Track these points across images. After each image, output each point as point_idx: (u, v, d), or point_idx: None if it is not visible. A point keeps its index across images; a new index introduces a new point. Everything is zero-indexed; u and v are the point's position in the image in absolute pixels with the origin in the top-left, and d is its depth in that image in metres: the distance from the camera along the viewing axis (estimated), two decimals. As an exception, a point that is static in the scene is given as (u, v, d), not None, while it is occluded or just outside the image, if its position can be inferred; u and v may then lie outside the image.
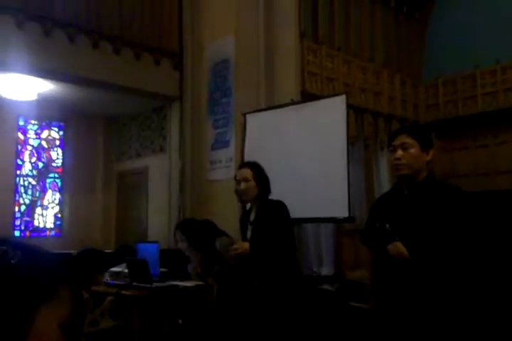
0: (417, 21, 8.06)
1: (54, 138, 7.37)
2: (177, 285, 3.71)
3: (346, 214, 3.93)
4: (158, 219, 6.33)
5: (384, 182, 6.57)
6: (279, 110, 4.69)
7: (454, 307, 2.19)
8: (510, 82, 6.91)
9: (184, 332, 3.65)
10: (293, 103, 4.79)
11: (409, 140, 2.31)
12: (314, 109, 4.43)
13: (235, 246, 2.97)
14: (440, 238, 2.18)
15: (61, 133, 7.42)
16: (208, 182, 5.53)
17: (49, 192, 7.22)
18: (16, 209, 6.86)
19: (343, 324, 3.61)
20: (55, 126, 7.39)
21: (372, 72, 7.01)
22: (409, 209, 2.30)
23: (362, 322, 3.54)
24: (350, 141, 4.82)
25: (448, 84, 7.52)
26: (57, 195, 7.26)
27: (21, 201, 6.96)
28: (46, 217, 7.14)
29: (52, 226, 7.18)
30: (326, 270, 5.69)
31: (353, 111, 6.36)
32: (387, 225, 2.28)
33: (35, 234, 6.97)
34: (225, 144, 5.35)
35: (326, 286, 4.72)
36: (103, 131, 7.52)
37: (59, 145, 7.40)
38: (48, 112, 6.88)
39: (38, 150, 7.20)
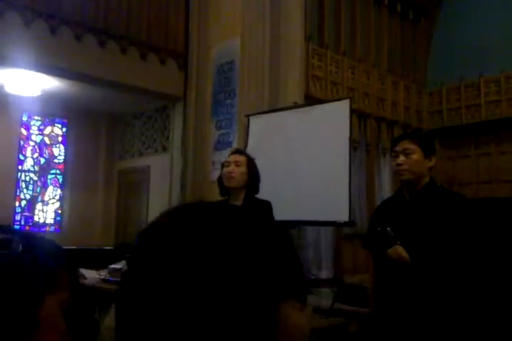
0: (422, 28, 8.08)
1: (57, 135, 7.39)
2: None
3: (347, 219, 3.93)
4: (158, 218, 6.32)
5: (385, 188, 6.58)
6: (282, 113, 4.70)
7: (453, 312, 2.19)
8: (514, 91, 6.92)
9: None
10: (297, 106, 4.80)
11: (411, 146, 2.34)
12: (318, 112, 4.44)
13: None
14: (440, 243, 2.19)
15: (64, 129, 7.44)
16: (210, 182, 5.53)
17: (50, 188, 7.23)
18: (17, 204, 6.88)
19: None
20: (58, 123, 7.41)
21: (376, 78, 7.03)
22: (411, 214, 2.32)
23: (362, 327, 3.54)
24: (353, 146, 4.82)
25: (452, 91, 7.53)
26: (58, 191, 7.27)
27: (22, 196, 6.98)
28: (46, 213, 7.16)
29: (52, 222, 7.20)
30: (325, 273, 5.70)
31: (356, 115, 6.37)
32: (388, 229, 2.29)
33: (35, 229, 6.98)
34: (228, 145, 5.36)
35: (324, 290, 4.72)
36: (106, 129, 7.54)
37: (61, 142, 7.42)
38: (51, 109, 6.91)
39: (41, 146, 7.23)
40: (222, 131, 5.51)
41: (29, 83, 5.70)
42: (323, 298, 4.24)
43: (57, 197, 7.26)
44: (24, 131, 7.05)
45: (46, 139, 7.28)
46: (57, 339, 0.59)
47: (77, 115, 7.28)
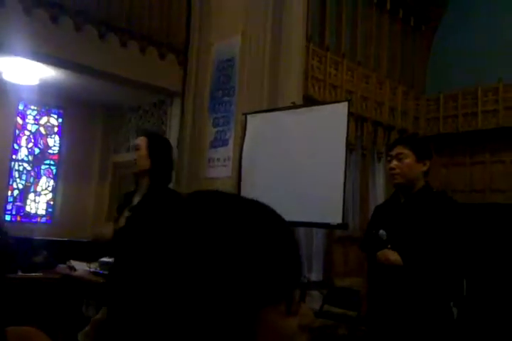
0: (423, 35, 8.10)
1: (52, 125, 7.35)
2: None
3: (340, 221, 3.93)
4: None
5: (379, 192, 6.59)
6: (280, 112, 4.70)
7: (443, 315, 2.21)
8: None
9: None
10: (295, 106, 4.80)
11: (404, 150, 2.37)
12: (315, 113, 4.44)
13: None
14: (432, 246, 2.21)
15: (60, 120, 7.39)
16: (205, 179, 5.52)
17: (43, 179, 7.19)
18: (9, 193, 6.84)
19: None
20: (54, 113, 7.37)
21: (375, 82, 7.04)
22: (404, 217, 2.35)
23: (351, 330, 3.55)
24: (349, 149, 4.83)
25: (449, 99, 7.56)
26: (51, 182, 7.23)
27: (15, 186, 6.93)
28: (38, 204, 7.11)
29: (43, 212, 7.15)
30: (315, 275, 5.70)
31: (353, 119, 6.38)
32: (380, 231, 2.32)
33: (26, 220, 6.94)
34: (224, 143, 5.35)
35: (314, 292, 4.72)
36: (102, 121, 7.50)
37: (57, 133, 7.37)
38: (48, 99, 6.86)
39: (36, 136, 7.18)
40: (219, 129, 5.50)
41: (27, 72, 5.66)
42: (313, 300, 4.24)
43: (50, 189, 7.22)
44: (20, 120, 7.00)
45: (42, 129, 7.23)
46: None
47: (74, 106, 7.23)
